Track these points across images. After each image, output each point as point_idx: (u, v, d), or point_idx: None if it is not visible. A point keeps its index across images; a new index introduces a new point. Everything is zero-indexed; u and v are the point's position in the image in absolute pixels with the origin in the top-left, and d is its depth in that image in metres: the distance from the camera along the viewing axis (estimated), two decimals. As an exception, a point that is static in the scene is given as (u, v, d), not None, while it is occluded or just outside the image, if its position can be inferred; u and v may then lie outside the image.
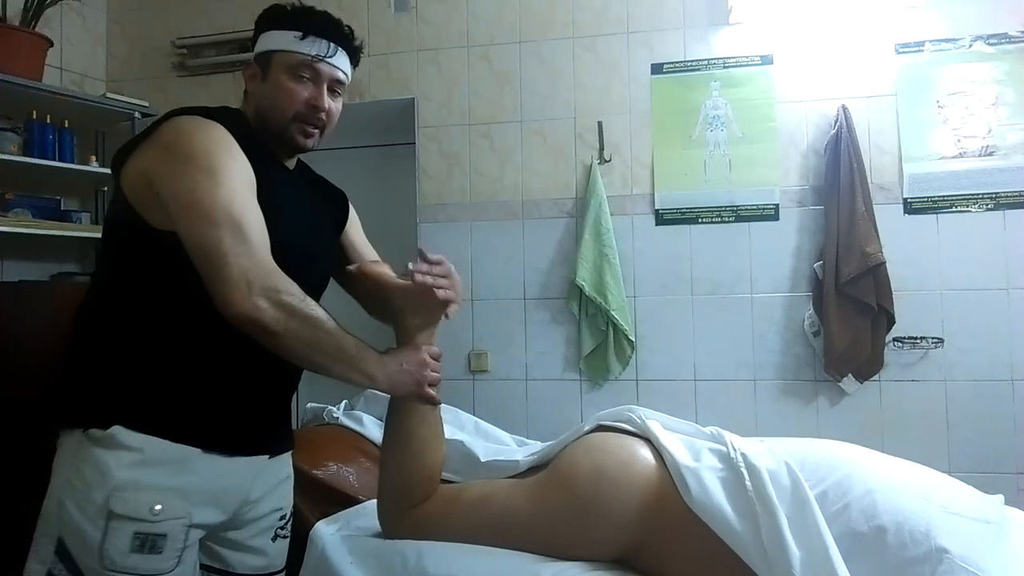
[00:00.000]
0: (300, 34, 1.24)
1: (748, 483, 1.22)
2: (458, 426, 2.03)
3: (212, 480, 1.17)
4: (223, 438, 1.18)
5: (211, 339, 1.14)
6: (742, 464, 1.25)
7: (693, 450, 1.34)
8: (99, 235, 2.86)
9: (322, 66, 1.26)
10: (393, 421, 1.41)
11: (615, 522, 1.27)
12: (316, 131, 1.29)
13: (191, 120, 1.16)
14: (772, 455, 1.28)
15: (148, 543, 1.09)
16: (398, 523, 1.41)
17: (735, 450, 1.29)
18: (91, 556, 1.07)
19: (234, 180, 1.11)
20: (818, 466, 1.28)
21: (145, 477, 1.10)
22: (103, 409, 1.11)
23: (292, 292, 1.10)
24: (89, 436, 1.10)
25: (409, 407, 1.37)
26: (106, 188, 2.99)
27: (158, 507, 1.09)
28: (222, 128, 1.15)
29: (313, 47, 1.25)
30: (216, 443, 1.16)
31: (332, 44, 1.27)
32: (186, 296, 1.11)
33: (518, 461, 1.59)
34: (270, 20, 1.28)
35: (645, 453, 1.34)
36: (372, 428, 1.98)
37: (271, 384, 1.27)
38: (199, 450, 1.14)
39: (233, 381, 1.20)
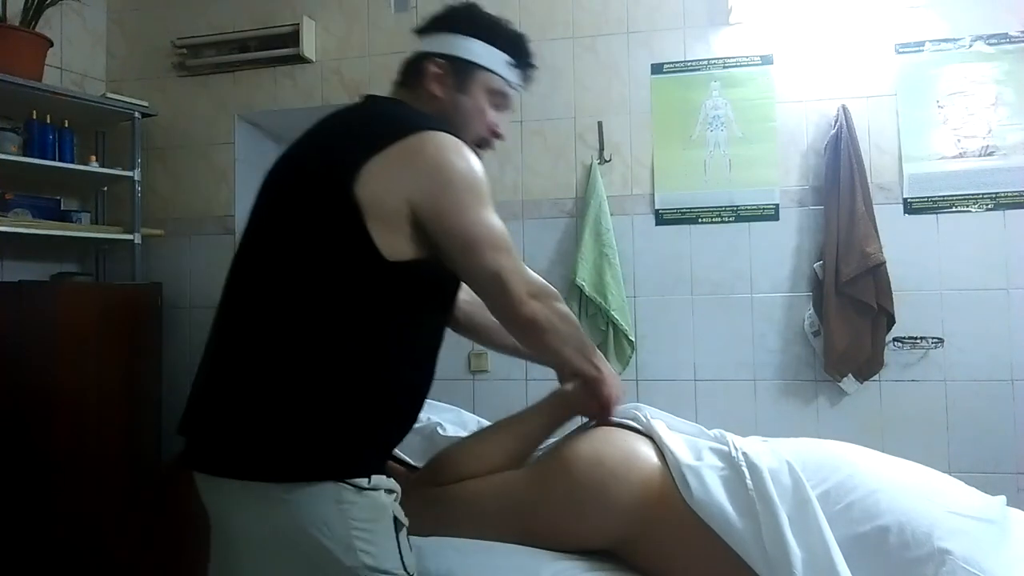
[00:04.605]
0: (512, 61, 1.24)
1: (749, 482, 1.21)
2: (461, 425, 2.03)
3: None
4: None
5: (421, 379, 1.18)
6: (743, 463, 1.25)
7: (695, 449, 1.34)
8: (99, 235, 2.87)
9: (513, 96, 1.28)
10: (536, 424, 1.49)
11: (610, 508, 1.26)
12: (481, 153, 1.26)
13: (453, 141, 1.12)
14: (773, 454, 1.28)
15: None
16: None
17: (736, 449, 1.29)
18: (395, 565, 1.07)
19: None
20: (820, 466, 1.27)
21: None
22: (365, 460, 1.09)
23: (551, 293, 1.19)
24: (354, 485, 1.06)
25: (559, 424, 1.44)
26: (105, 188, 2.98)
27: None
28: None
29: (519, 79, 1.27)
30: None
31: (529, 75, 1.30)
32: (407, 334, 1.12)
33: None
34: (481, 28, 1.24)
35: (647, 450, 1.34)
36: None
37: None
38: None
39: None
